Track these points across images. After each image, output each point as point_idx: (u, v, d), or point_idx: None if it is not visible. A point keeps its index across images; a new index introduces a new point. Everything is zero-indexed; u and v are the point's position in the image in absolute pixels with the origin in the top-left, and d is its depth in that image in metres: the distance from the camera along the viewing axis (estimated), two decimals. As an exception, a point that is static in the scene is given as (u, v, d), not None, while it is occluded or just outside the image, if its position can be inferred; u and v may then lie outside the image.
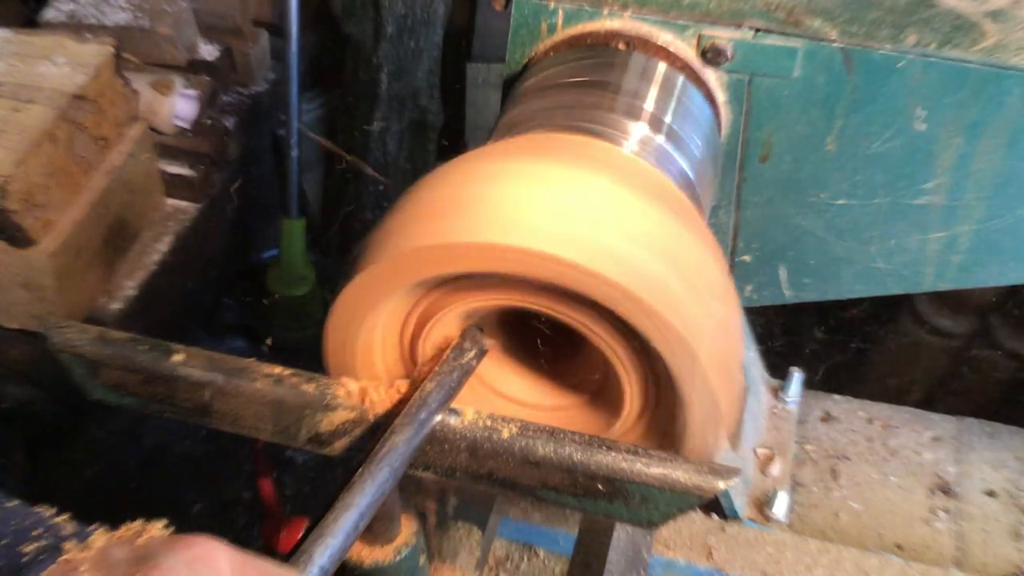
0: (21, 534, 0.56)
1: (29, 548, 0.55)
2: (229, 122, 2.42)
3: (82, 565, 0.53)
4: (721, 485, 0.74)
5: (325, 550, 0.65)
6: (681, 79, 1.02)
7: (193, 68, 2.34)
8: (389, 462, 0.73)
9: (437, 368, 0.82)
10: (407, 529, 0.90)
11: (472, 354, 0.84)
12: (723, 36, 1.02)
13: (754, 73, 1.04)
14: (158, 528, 0.58)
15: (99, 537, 0.56)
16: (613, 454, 0.76)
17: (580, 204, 0.76)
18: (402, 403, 0.82)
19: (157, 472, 2.36)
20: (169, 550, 0.53)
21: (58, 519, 0.58)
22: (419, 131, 2.77)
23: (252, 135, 2.55)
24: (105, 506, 0.64)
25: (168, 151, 2.28)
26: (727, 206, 1.15)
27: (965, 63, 0.99)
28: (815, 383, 1.48)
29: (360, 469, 0.71)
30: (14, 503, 0.59)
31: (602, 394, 0.87)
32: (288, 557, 0.64)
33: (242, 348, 2.68)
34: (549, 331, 0.88)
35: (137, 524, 0.58)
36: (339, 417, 0.82)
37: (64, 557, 0.54)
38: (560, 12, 1.06)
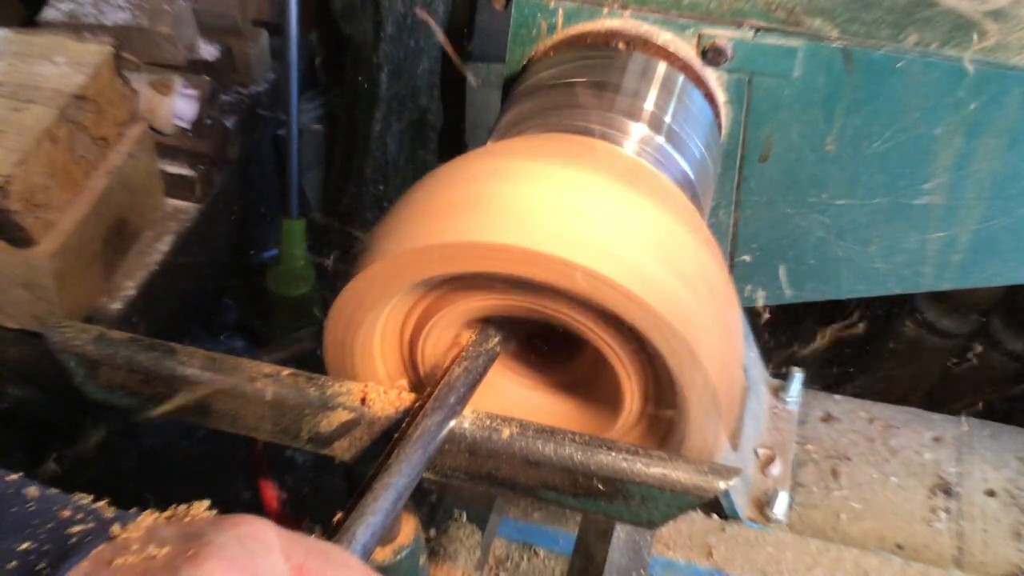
0: (65, 518, 0.56)
1: (75, 530, 0.55)
2: (229, 122, 2.42)
3: (133, 544, 0.53)
4: (721, 485, 0.74)
5: (367, 528, 0.67)
6: (681, 79, 1.02)
7: (193, 68, 2.34)
8: (422, 443, 0.73)
9: (464, 353, 0.83)
10: (407, 529, 0.90)
11: (496, 340, 0.85)
12: (723, 36, 1.02)
13: (754, 73, 1.04)
14: (203, 508, 0.58)
15: (146, 517, 0.57)
16: (613, 454, 0.76)
17: (579, 204, 0.75)
18: (415, 404, 0.82)
19: (156, 472, 2.36)
20: (219, 528, 0.54)
21: (98, 504, 0.59)
22: (419, 131, 2.77)
23: (252, 135, 2.55)
24: (103, 506, 0.64)
25: (168, 151, 2.28)
26: (727, 206, 1.15)
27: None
28: (815, 383, 1.48)
29: (395, 451, 0.72)
30: (53, 491, 0.59)
31: (602, 394, 0.87)
32: (330, 537, 0.65)
33: (242, 348, 2.68)
34: (549, 331, 0.88)
35: (183, 506, 0.59)
36: (339, 417, 0.82)
37: (113, 536, 0.54)
38: (560, 11, 1.06)
